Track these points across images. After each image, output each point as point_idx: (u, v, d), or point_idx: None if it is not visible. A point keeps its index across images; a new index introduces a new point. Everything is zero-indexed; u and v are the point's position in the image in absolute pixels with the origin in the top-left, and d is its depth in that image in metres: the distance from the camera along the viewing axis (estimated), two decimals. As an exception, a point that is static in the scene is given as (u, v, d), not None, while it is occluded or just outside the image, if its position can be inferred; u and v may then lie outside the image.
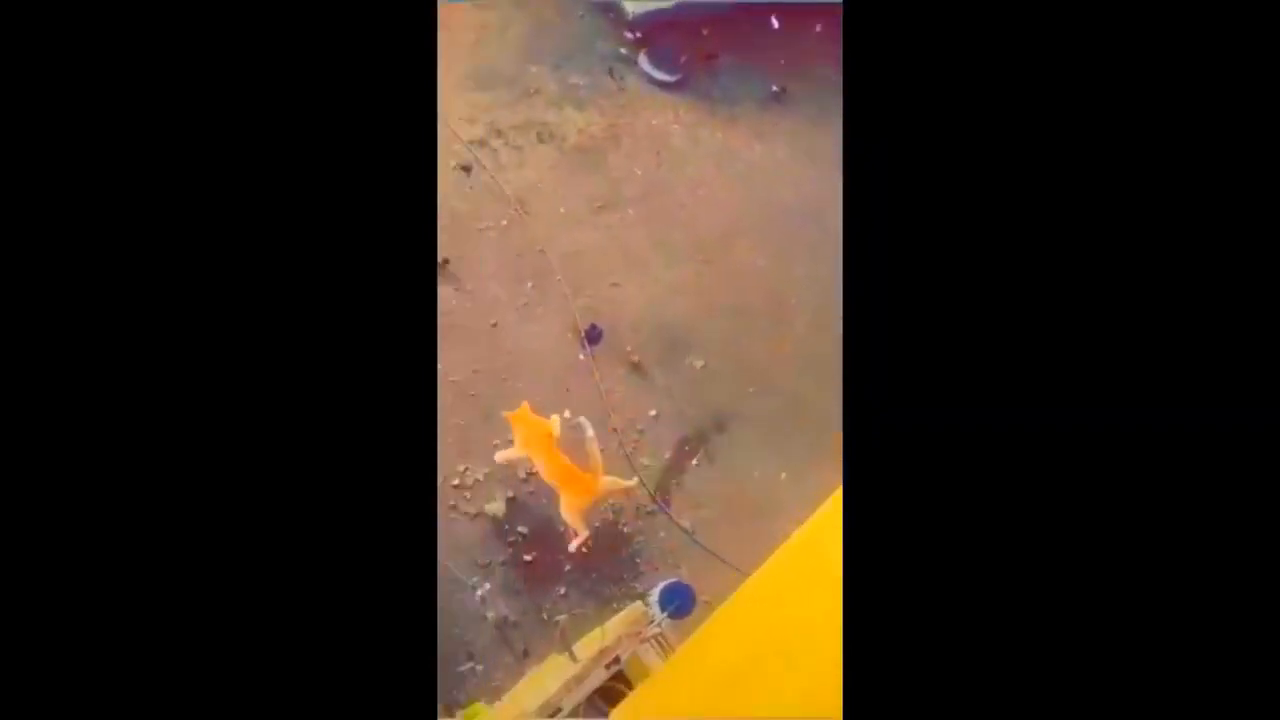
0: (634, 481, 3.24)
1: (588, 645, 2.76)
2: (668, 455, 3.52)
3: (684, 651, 2.68)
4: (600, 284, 3.76)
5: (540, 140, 3.99)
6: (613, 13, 4.27)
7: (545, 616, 3.16)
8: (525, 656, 3.11)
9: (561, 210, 3.88)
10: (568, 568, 3.25)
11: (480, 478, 3.30)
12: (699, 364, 3.70)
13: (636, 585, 3.28)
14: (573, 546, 3.15)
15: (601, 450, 3.25)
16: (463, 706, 2.99)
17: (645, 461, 3.48)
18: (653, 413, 3.58)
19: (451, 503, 3.27)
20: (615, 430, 3.49)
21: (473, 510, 3.28)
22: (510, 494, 3.29)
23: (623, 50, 4.24)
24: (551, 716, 2.58)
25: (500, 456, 3.21)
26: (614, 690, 2.77)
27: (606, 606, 3.18)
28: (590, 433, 3.14)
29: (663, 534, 3.40)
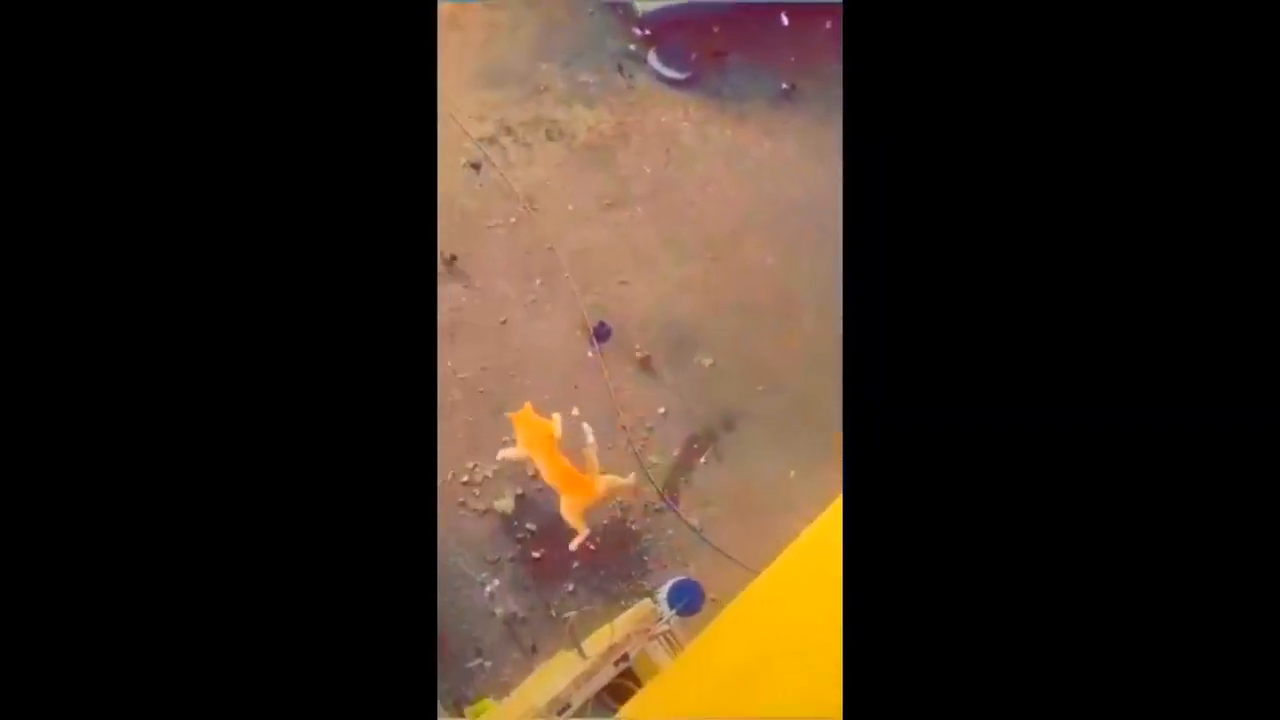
0: (631, 479, 3.25)
1: (596, 642, 2.77)
2: (676, 453, 3.52)
3: (693, 650, 2.69)
4: (609, 281, 3.76)
5: (549, 138, 4.00)
6: (623, 10, 4.27)
7: (554, 613, 3.17)
8: (534, 653, 3.12)
9: (570, 208, 3.88)
10: (576, 565, 3.26)
11: (489, 474, 3.31)
12: (707, 362, 3.70)
13: (645, 583, 3.29)
14: (573, 545, 3.16)
15: (610, 448, 3.25)
16: (471, 702, 3.00)
17: (653, 459, 3.49)
18: (661, 410, 3.58)
19: (460, 499, 3.29)
20: (624, 428, 3.50)
21: (481, 507, 3.29)
22: (519, 491, 3.30)
23: (631, 47, 4.24)
24: (560, 713, 2.60)
25: (502, 455, 3.23)
26: (622, 687, 2.77)
27: (615, 604, 3.19)
28: (591, 440, 3.16)
29: (671, 532, 3.40)
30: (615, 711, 2.68)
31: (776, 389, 3.65)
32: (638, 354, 3.63)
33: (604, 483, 3.14)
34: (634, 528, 3.38)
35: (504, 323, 3.61)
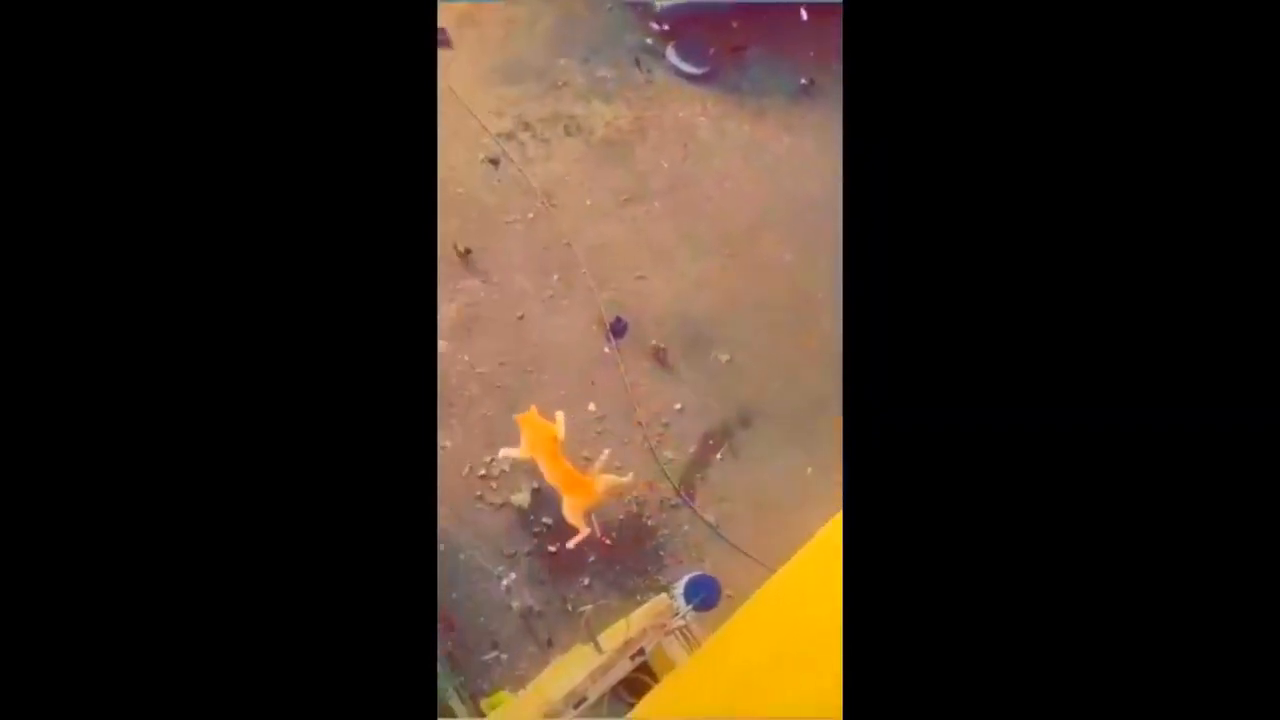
0: (630, 478, 3.27)
1: (613, 636, 2.78)
2: (692, 449, 3.52)
3: (709, 647, 2.69)
4: (626, 277, 3.76)
5: (567, 133, 4.00)
6: (641, 5, 4.26)
7: (570, 607, 3.19)
8: (550, 647, 3.14)
9: (588, 203, 3.89)
10: (592, 559, 3.27)
11: (506, 469, 3.33)
12: (724, 358, 3.70)
13: (660, 578, 3.30)
14: (571, 544, 3.19)
15: (625, 444, 3.26)
16: (487, 695, 3.03)
17: (669, 455, 3.49)
18: (678, 406, 3.58)
19: (478, 493, 3.31)
20: (640, 423, 3.50)
21: (498, 501, 3.31)
22: (535, 485, 3.32)
23: (649, 41, 4.23)
24: (576, 706, 2.61)
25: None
26: (638, 681, 2.79)
27: (630, 598, 3.20)
28: (600, 462, 3.20)
29: (686, 527, 3.41)
30: (631, 705, 2.69)
31: (793, 385, 3.64)
32: (654, 344, 3.63)
33: (603, 483, 3.16)
34: (650, 523, 3.38)
35: (521, 318, 3.62)
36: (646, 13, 4.26)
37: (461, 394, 3.45)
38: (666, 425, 3.54)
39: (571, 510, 3.13)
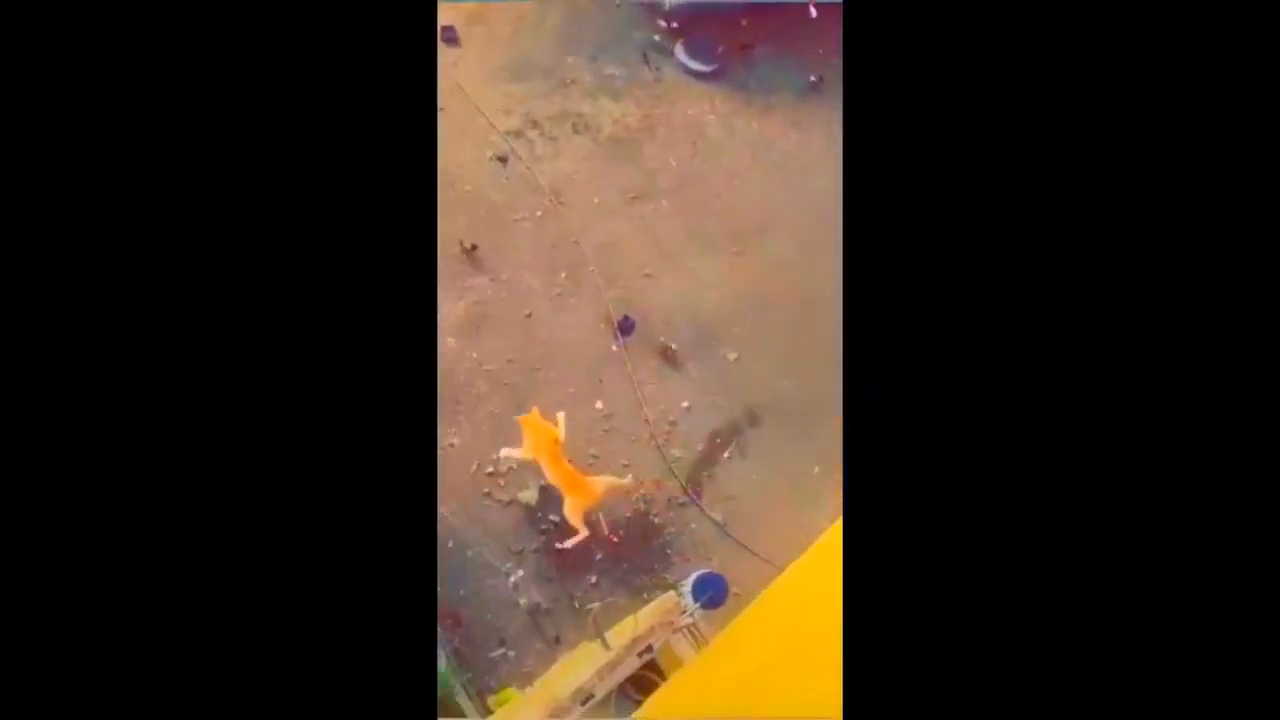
0: (629, 480, 3.28)
1: (620, 633, 2.79)
2: (700, 447, 3.52)
3: (717, 645, 2.70)
4: (634, 275, 3.77)
5: (575, 131, 4.00)
6: (650, 4, 4.25)
7: (577, 605, 3.20)
8: (557, 643, 3.15)
9: (596, 201, 3.89)
10: (599, 556, 3.28)
11: (514, 465, 3.34)
12: (732, 356, 3.69)
13: (667, 575, 3.30)
14: (570, 544, 3.20)
15: (633, 442, 3.25)
16: (495, 692, 3.04)
17: (677, 453, 3.49)
18: (685, 404, 3.58)
19: (486, 490, 3.32)
20: (648, 421, 3.51)
21: (506, 498, 3.32)
22: (543, 482, 3.32)
23: (657, 38, 4.23)
24: (584, 703, 2.62)
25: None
26: (646, 679, 2.79)
27: (638, 596, 3.21)
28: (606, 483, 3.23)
29: (694, 526, 3.41)
30: (639, 703, 2.70)
31: (801, 384, 3.64)
32: (661, 341, 3.63)
33: (602, 484, 3.18)
34: (657, 521, 3.39)
35: (529, 316, 3.62)
36: (655, 10, 4.25)
37: (469, 391, 3.46)
38: (674, 423, 3.54)
39: (572, 511, 3.15)
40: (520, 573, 3.22)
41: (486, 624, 3.15)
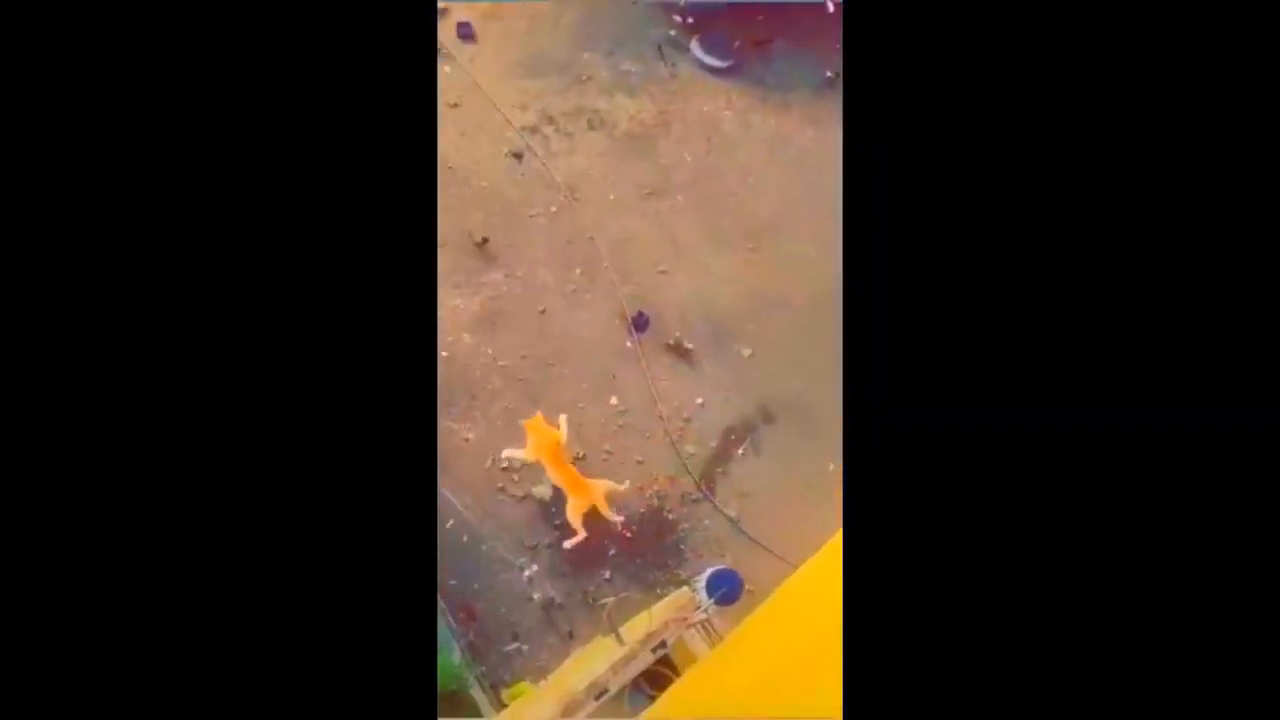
0: (626, 485, 3.28)
1: (634, 629, 2.79)
2: (714, 444, 3.52)
3: (731, 641, 2.70)
4: (648, 271, 3.77)
5: (591, 127, 4.00)
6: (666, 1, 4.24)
7: (591, 600, 3.21)
8: (571, 638, 3.16)
9: (611, 197, 3.89)
10: (613, 552, 3.29)
11: (516, 467, 3.35)
12: (746, 353, 3.69)
13: (681, 572, 3.31)
14: (568, 545, 3.21)
15: (647, 438, 3.25)
16: (508, 685, 3.05)
17: (690, 450, 3.49)
18: (699, 401, 3.58)
19: (500, 485, 3.33)
20: (661, 418, 3.51)
21: (520, 493, 3.33)
22: (556, 478, 3.33)
23: (672, 33, 4.22)
24: (598, 698, 2.63)
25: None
26: (659, 674, 2.80)
27: (651, 592, 3.21)
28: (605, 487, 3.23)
29: (707, 522, 3.41)
30: (653, 698, 2.70)
31: (815, 381, 3.63)
32: (676, 336, 3.63)
33: (601, 488, 3.20)
34: (671, 517, 3.39)
35: (543, 312, 3.63)
36: (671, 6, 4.24)
37: (484, 387, 3.47)
38: (688, 420, 3.54)
39: (573, 512, 3.18)
40: (534, 567, 3.23)
41: (500, 618, 3.17)
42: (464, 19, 4.09)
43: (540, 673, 3.06)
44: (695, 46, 4.20)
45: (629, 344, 3.62)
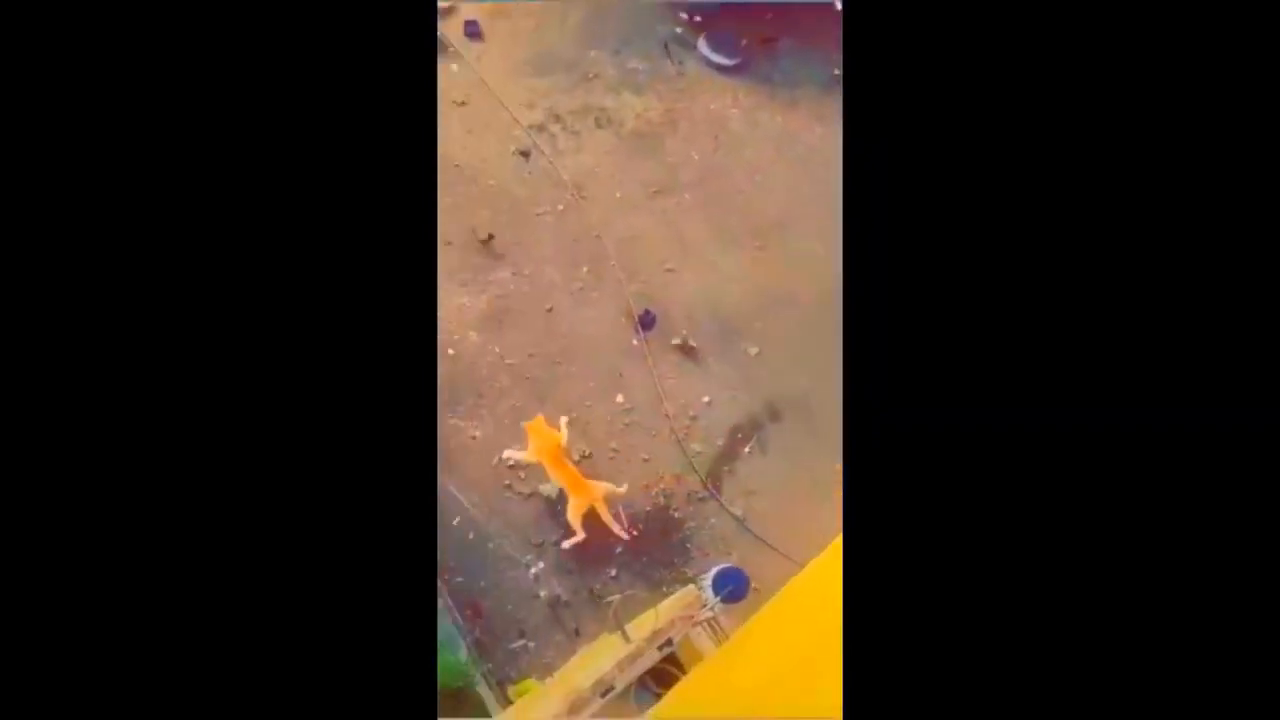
0: (624, 488, 3.28)
1: (640, 626, 2.80)
2: (720, 442, 3.52)
3: (737, 639, 2.70)
4: (655, 269, 3.76)
5: (598, 125, 4.00)
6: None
7: (597, 597, 3.21)
8: (577, 635, 3.17)
9: (618, 195, 3.89)
10: (619, 550, 3.29)
11: (529, 462, 3.35)
12: (753, 351, 3.68)
13: (687, 570, 3.31)
14: (567, 545, 3.21)
15: (654, 436, 3.25)
16: (515, 682, 3.06)
17: (697, 448, 3.49)
18: (706, 399, 3.58)
19: (506, 482, 3.34)
20: (668, 416, 3.51)
21: (526, 490, 3.34)
22: (562, 476, 3.34)
23: (679, 31, 4.21)
24: (604, 694, 2.63)
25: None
26: (665, 672, 2.80)
27: (657, 589, 3.22)
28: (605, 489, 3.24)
29: (714, 520, 3.41)
30: (659, 696, 2.71)
31: (822, 380, 3.62)
32: (683, 334, 3.63)
33: (601, 489, 3.20)
34: (677, 515, 3.39)
35: (550, 310, 3.64)
36: (678, 4, 4.24)
37: (492, 385, 3.48)
38: (694, 418, 3.54)
39: (573, 512, 3.19)
40: (541, 565, 3.24)
41: (507, 615, 3.17)
42: (471, 17, 4.09)
43: (546, 670, 3.07)
44: (702, 44, 4.19)
45: (635, 342, 3.62)
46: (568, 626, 3.19)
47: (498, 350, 3.53)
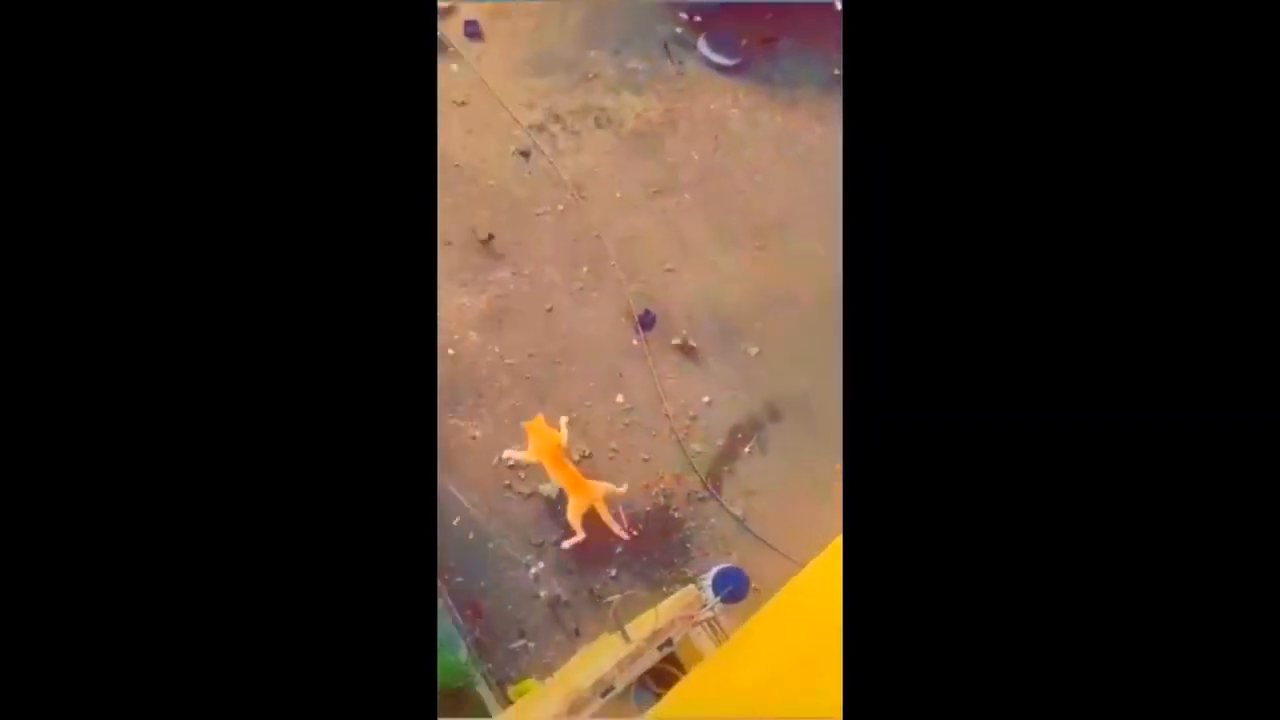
0: (624, 488, 3.28)
1: (640, 626, 2.80)
2: (720, 442, 3.52)
3: (737, 639, 2.70)
4: (655, 269, 3.77)
5: (598, 125, 4.01)
6: (673, -3, 4.25)
7: (597, 597, 3.21)
8: (577, 635, 3.17)
9: (618, 195, 3.89)
10: (619, 550, 3.29)
11: (528, 463, 3.35)
12: (753, 351, 3.69)
13: (687, 570, 3.31)
14: (567, 545, 3.21)
15: (654, 436, 3.26)
16: (515, 682, 3.06)
17: (697, 448, 3.49)
18: (706, 399, 3.58)
19: (506, 482, 3.34)
20: (668, 416, 3.51)
21: (527, 490, 3.34)
22: (562, 476, 3.33)
23: (679, 31, 4.21)
24: (604, 694, 2.63)
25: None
26: (666, 672, 2.80)
27: (657, 590, 3.22)
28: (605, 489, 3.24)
29: (714, 521, 3.41)
30: (659, 696, 2.71)
31: (822, 380, 3.62)
32: (683, 335, 3.63)
33: (600, 490, 3.21)
34: (677, 515, 3.39)
35: (550, 310, 3.64)
36: (677, 4, 4.24)
37: (491, 385, 3.48)
38: (694, 418, 3.54)
39: (573, 512, 3.19)
40: (541, 565, 3.24)
41: (507, 615, 3.17)
42: (471, 17, 4.09)
43: (546, 670, 3.07)
44: (702, 44, 4.19)
45: (635, 342, 3.62)
46: (568, 626, 3.19)
47: (498, 350, 3.53)
